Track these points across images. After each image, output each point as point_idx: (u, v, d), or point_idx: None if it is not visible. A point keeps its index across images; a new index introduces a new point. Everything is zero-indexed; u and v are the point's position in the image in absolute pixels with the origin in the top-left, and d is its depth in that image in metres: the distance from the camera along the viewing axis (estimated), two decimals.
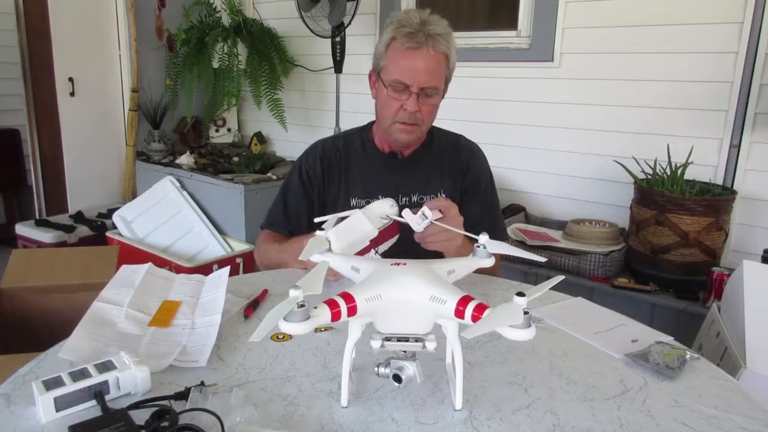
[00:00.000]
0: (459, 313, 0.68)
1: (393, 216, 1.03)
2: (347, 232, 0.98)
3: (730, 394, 0.80)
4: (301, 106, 3.39)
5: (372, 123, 1.44)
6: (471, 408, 0.75)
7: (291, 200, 1.41)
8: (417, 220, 1.04)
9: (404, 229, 1.09)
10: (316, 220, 1.04)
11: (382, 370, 0.73)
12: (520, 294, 0.63)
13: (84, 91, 3.22)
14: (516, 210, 2.52)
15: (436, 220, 1.05)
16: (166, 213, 2.94)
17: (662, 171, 2.02)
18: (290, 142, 3.42)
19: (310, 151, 1.44)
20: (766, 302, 1.31)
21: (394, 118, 1.29)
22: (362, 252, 1.02)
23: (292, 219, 1.40)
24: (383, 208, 1.02)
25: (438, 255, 1.17)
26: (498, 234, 1.43)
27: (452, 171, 1.40)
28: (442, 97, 1.32)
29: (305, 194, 1.40)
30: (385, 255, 1.23)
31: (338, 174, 1.40)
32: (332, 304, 0.68)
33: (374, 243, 1.05)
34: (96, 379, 0.72)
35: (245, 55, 3.14)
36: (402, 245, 1.18)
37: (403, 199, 1.36)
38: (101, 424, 0.65)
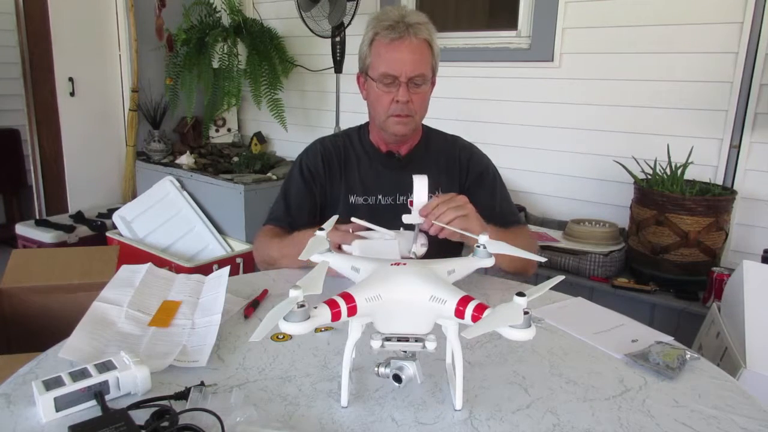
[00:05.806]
0: (459, 313, 0.68)
1: (420, 255, 1.05)
2: (371, 251, 1.02)
3: (730, 394, 0.80)
4: (301, 106, 3.39)
5: (368, 123, 1.45)
6: (471, 408, 0.75)
7: (293, 195, 1.42)
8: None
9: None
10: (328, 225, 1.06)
11: (382, 370, 0.73)
12: (520, 294, 0.63)
13: (84, 91, 3.22)
14: None
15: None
16: (166, 213, 2.94)
17: (662, 171, 2.02)
18: (290, 142, 3.42)
19: (309, 148, 1.45)
20: (766, 302, 1.31)
21: (387, 112, 1.30)
22: None
23: (293, 213, 1.40)
24: (414, 247, 1.05)
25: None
26: (514, 220, 1.41)
27: (450, 170, 1.41)
28: (432, 88, 1.34)
29: (307, 189, 1.40)
30: None
31: (338, 172, 1.41)
32: (332, 304, 0.68)
33: None
34: (96, 379, 0.72)
35: (245, 55, 3.14)
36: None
37: (402, 197, 1.37)
38: (101, 424, 0.65)
